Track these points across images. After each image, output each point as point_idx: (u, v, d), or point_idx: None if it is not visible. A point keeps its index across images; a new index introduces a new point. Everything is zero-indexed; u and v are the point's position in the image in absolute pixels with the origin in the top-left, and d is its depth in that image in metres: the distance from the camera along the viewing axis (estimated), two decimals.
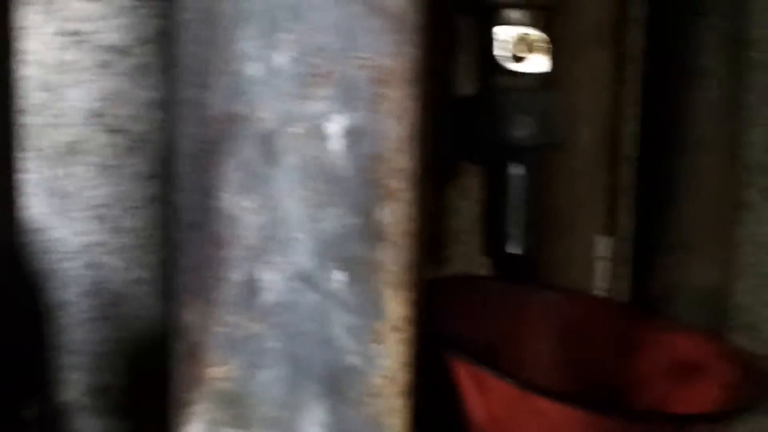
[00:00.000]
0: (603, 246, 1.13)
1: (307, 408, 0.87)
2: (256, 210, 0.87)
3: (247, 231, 0.87)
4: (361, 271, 0.86)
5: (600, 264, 1.13)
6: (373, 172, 0.86)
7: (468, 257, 1.17)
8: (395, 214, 0.85)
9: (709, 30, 1.05)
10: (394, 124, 0.86)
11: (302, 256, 0.87)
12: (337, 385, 0.87)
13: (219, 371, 0.88)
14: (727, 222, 1.09)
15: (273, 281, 0.87)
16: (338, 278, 0.87)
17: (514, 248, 0.93)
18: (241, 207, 0.87)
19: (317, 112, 0.87)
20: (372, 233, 0.85)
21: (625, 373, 1.03)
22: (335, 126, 0.87)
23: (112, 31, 1.37)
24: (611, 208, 1.15)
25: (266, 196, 0.87)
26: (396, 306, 0.85)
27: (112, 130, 1.40)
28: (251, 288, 0.88)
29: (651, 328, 1.06)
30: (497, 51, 0.93)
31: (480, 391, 0.84)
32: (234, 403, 0.88)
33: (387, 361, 0.86)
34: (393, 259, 0.85)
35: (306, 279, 0.87)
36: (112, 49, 1.37)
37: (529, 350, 0.94)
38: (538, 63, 0.93)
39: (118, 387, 1.48)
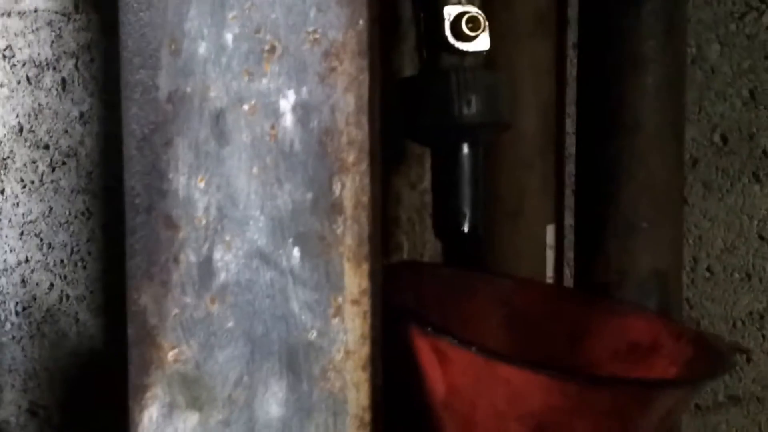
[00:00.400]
0: (550, 234, 1.13)
1: (266, 386, 0.87)
2: (209, 190, 0.87)
3: (201, 211, 0.86)
4: (317, 246, 0.86)
5: (550, 253, 1.13)
6: (326, 146, 0.85)
7: (414, 247, 1.16)
8: (351, 188, 0.85)
9: (651, 15, 1.07)
10: (347, 98, 0.86)
11: (257, 234, 0.86)
12: (296, 362, 0.87)
13: (175, 354, 0.87)
14: (675, 203, 1.10)
15: (228, 261, 0.87)
16: (295, 254, 0.86)
17: (465, 227, 0.93)
18: (193, 187, 0.87)
19: (268, 88, 0.87)
20: (328, 207, 0.85)
21: (579, 358, 1.04)
22: (287, 102, 0.87)
23: (37, 46, 1.36)
24: (557, 197, 1.15)
25: (219, 175, 0.86)
26: (354, 279, 0.85)
27: (40, 146, 1.38)
28: (207, 268, 0.87)
29: (602, 312, 1.08)
30: (441, 29, 0.93)
31: (439, 362, 0.83)
32: (191, 385, 0.87)
33: (346, 335, 0.86)
34: (349, 233, 0.85)
35: (262, 257, 0.86)
36: (37, 64, 1.35)
37: (478, 338, 0.94)
38: (482, 42, 0.93)
39: (53, 405, 1.45)
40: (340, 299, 0.85)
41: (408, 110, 0.96)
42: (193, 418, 0.88)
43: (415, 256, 1.18)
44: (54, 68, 1.35)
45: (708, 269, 1.37)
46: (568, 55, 1.17)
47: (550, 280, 1.15)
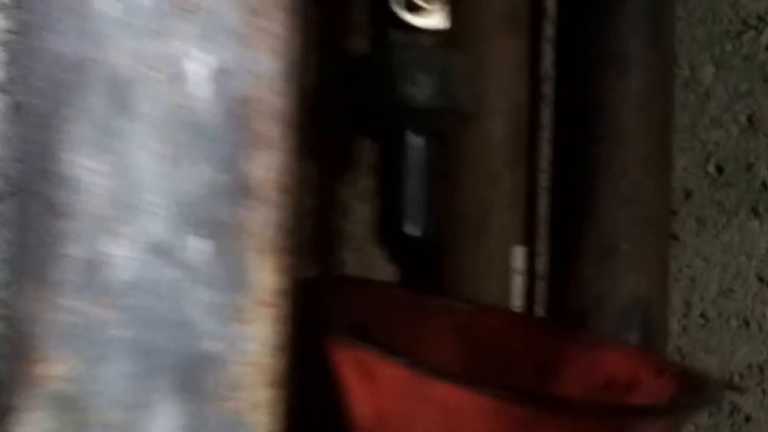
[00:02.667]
0: (519, 257, 0.99)
1: (158, 407, 0.73)
2: (105, 171, 0.73)
3: (93, 197, 0.73)
4: (224, 236, 0.72)
5: (516, 277, 0.99)
6: (244, 118, 0.72)
7: (364, 265, 1.02)
8: (267, 166, 0.71)
9: (635, 12, 0.94)
10: (269, 61, 0.73)
11: (157, 224, 0.73)
12: (194, 378, 0.72)
13: (55, 369, 0.73)
14: (660, 222, 0.96)
15: (122, 256, 0.73)
16: (198, 247, 0.72)
17: (411, 229, 0.79)
18: (86, 168, 0.73)
19: (179, 51, 0.73)
20: (239, 190, 0.71)
21: (549, 394, 0.89)
22: (200, 66, 0.74)
23: None
24: (528, 214, 1.01)
25: (117, 153, 0.73)
26: (264, 276, 0.71)
27: None
28: (95, 265, 0.73)
29: (574, 344, 0.94)
30: (392, 2, 0.79)
31: (364, 379, 0.69)
32: (72, 407, 0.73)
33: (252, 345, 0.71)
34: (262, 220, 0.71)
35: (162, 251, 0.72)
36: None
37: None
38: (438, 18, 0.79)
39: None
40: (245, 300, 0.71)
41: (351, 93, 0.82)
42: None
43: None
44: None
45: (702, 315, 1.24)
46: (542, 54, 1.04)
47: (518, 308, 1.00)
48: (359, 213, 0.98)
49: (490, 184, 0.98)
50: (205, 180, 0.72)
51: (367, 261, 1.03)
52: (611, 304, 0.96)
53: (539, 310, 1.07)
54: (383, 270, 1.00)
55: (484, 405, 0.67)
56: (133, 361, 0.72)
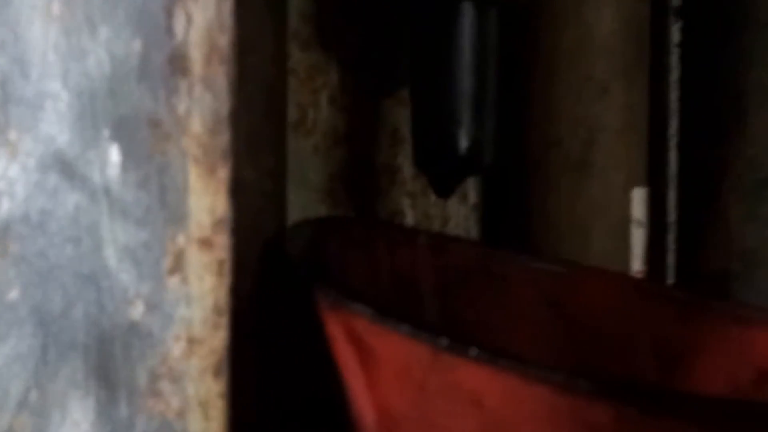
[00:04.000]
0: (639, 201, 0.75)
1: (64, 409, 0.50)
2: None
3: None
4: (147, 139, 0.49)
5: (635, 230, 0.75)
6: None
7: (426, 219, 0.78)
8: (201, 24, 0.48)
9: None
10: None
11: (57, 126, 0.50)
12: (112, 363, 0.50)
13: None
14: None
15: (13, 177, 0.51)
16: (113, 158, 0.49)
17: (463, 144, 0.55)
18: None
19: None
20: (164, 63, 0.49)
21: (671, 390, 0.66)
22: None
23: None
24: (650, 142, 0.77)
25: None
26: (203, 199, 0.48)
27: None
28: None
29: (716, 323, 0.71)
30: None
31: (361, 361, 0.45)
32: None
33: (189, 309, 0.48)
34: (198, 110, 0.48)
35: (64, 167, 0.50)
36: None
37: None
38: None
39: None
40: (181, 238, 0.48)
41: None
42: None
43: None
44: None
45: None
46: None
47: (637, 273, 0.78)
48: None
49: (595, 99, 0.74)
50: (117, 52, 0.49)
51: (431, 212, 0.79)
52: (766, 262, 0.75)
53: (667, 275, 0.86)
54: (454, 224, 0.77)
55: (550, 402, 0.42)
56: (32, 337, 0.50)
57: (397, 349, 0.46)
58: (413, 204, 0.82)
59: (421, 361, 0.45)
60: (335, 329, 0.49)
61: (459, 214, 0.85)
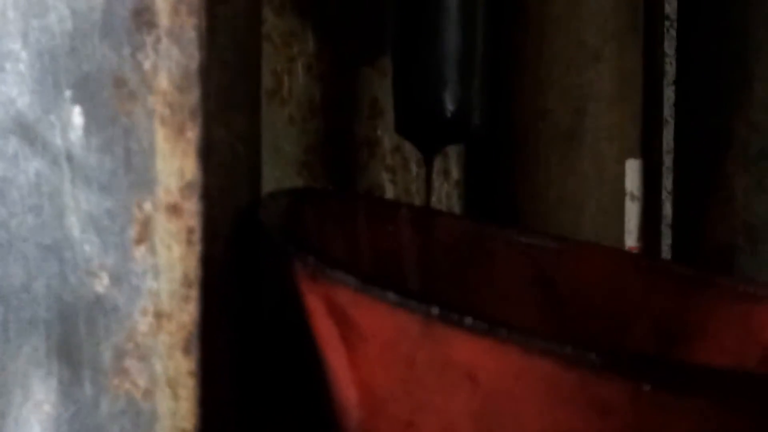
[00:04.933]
0: (633, 173, 0.73)
1: (26, 389, 0.49)
2: None
3: None
4: (112, 99, 0.47)
5: (630, 203, 0.73)
6: None
7: (406, 193, 0.76)
8: None
9: None
10: None
11: (18, 87, 0.49)
12: (75, 339, 0.48)
13: None
14: None
15: None
16: (75, 121, 0.48)
17: (450, 106, 0.53)
18: None
19: None
20: (129, 17, 0.46)
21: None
22: None
23: None
24: (645, 111, 0.75)
25: None
26: (172, 162, 0.46)
27: None
28: None
29: (719, 300, 0.68)
30: None
31: (340, 335, 0.42)
32: None
33: (156, 281, 0.46)
34: (165, 66, 0.46)
35: (24, 130, 0.48)
36: None
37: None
38: None
39: None
40: (147, 205, 0.45)
41: None
42: None
43: None
44: None
45: None
46: None
47: (632, 248, 0.78)
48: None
49: (586, 66, 0.72)
50: (79, 6, 0.47)
51: (411, 187, 0.77)
52: None
53: (664, 249, 0.84)
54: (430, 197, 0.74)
55: (553, 377, 0.40)
56: None
57: (383, 322, 0.43)
58: (393, 179, 0.80)
59: (409, 334, 0.43)
60: (314, 301, 0.46)
61: (441, 191, 0.83)
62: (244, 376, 0.49)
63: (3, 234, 0.49)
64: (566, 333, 0.71)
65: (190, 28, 0.46)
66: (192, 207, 0.46)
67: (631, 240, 0.78)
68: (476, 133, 0.61)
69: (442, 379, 0.43)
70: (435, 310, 0.42)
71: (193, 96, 0.46)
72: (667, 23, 0.88)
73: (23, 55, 0.49)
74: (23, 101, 0.49)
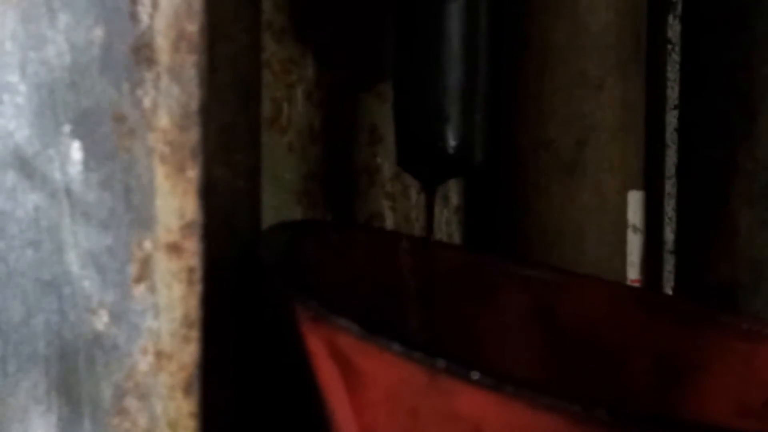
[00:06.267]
0: (636, 205, 0.74)
1: (26, 426, 0.48)
2: None
3: None
4: (111, 135, 0.47)
5: (632, 235, 0.74)
6: None
7: (406, 221, 0.77)
8: (168, 10, 0.46)
9: None
10: None
11: (16, 120, 0.49)
12: (74, 376, 0.49)
13: None
14: None
15: None
16: (74, 156, 0.48)
17: (452, 142, 0.54)
18: None
19: None
20: (128, 53, 0.47)
21: (676, 413, 0.66)
22: None
23: None
24: (648, 142, 0.76)
25: None
26: (172, 201, 0.46)
27: None
28: None
29: (721, 338, 0.69)
30: None
31: (343, 380, 0.43)
32: None
33: (157, 320, 0.46)
34: (165, 103, 0.46)
35: (22, 164, 0.48)
36: None
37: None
38: None
39: None
40: (147, 243, 0.46)
41: None
42: None
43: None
44: None
45: None
46: None
47: (634, 282, 0.79)
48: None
49: (589, 96, 0.73)
50: (78, 41, 0.48)
51: (411, 214, 0.78)
52: None
53: (667, 284, 0.84)
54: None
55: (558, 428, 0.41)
56: None
57: (387, 370, 0.44)
58: (393, 206, 0.80)
59: (414, 384, 0.43)
60: (316, 345, 0.47)
61: (441, 218, 0.83)
62: (246, 417, 0.50)
63: (2, 267, 0.50)
64: (566, 369, 0.72)
65: (191, 65, 0.47)
66: (193, 246, 0.47)
67: (633, 273, 0.79)
68: (478, 168, 0.62)
69: (447, 431, 0.44)
70: (441, 363, 0.42)
71: (194, 134, 0.46)
72: (669, 47, 0.89)
73: (21, 87, 0.50)
74: (21, 134, 0.50)
